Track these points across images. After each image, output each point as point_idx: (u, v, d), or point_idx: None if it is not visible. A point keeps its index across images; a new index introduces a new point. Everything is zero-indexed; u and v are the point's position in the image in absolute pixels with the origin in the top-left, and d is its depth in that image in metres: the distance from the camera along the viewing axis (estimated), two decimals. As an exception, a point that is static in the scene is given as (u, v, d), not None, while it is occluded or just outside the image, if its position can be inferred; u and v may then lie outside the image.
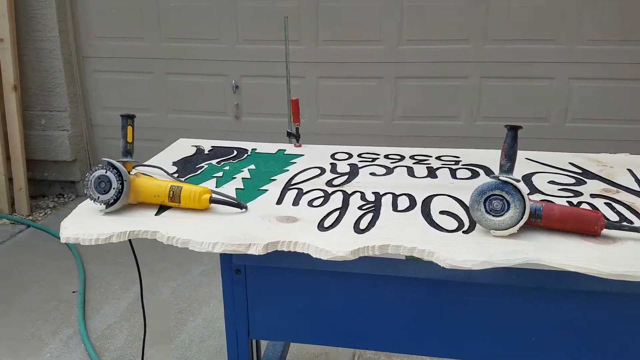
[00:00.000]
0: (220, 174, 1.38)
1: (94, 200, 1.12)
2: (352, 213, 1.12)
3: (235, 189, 1.28)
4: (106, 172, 1.12)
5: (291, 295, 1.24)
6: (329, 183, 1.31)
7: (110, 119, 3.40)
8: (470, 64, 3.01)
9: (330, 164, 1.45)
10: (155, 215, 1.12)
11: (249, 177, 1.36)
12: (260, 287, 1.25)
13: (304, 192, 1.25)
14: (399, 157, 1.50)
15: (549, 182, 1.29)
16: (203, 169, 1.41)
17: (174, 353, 1.97)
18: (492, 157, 1.47)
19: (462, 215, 1.10)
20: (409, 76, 3.08)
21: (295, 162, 1.47)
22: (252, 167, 1.44)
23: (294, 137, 1.64)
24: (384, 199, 1.20)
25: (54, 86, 3.28)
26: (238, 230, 1.04)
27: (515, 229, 0.99)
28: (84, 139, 3.46)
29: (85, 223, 1.09)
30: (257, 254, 0.99)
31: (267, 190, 1.26)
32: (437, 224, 1.06)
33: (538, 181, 1.29)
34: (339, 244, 0.99)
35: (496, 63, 3.00)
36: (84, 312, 2.20)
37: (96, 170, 1.12)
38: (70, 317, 2.18)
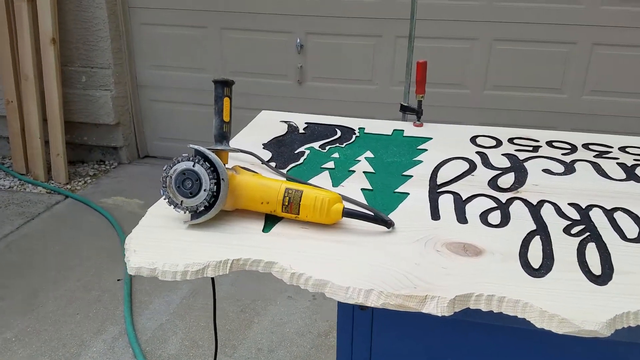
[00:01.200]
0: (330, 164, 1.00)
1: (175, 207, 0.76)
2: (561, 241, 0.74)
3: (361, 189, 0.90)
4: (194, 166, 0.75)
5: (437, 347, 0.88)
6: (494, 185, 0.92)
7: (159, 78, 3.04)
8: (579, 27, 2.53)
9: (478, 153, 1.06)
10: (264, 231, 0.76)
11: (372, 170, 0.98)
12: (395, 331, 0.89)
13: (463, 199, 0.86)
14: (569, 147, 1.10)
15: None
16: (305, 156, 1.04)
17: (238, 364, 1.66)
18: None
19: None
20: (506, 39, 2.61)
21: (425, 150, 1.08)
22: (369, 154, 1.06)
23: (414, 112, 1.24)
24: (593, 215, 0.81)
25: (97, 40, 2.92)
26: (396, 268, 0.67)
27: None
28: (129, 100, 3.12)
29: (163, 243, 0.73)
30: (439, 314, 0.61)
31: (406, 194, 0.88)
32: None
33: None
34: (576, 307, 0.61)
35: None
36: (131, 306, 1.90)
37: (178, 163, 0.76)
38: (116, 311, 1.88)
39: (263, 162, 0.97)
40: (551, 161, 1.02)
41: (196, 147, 0.77)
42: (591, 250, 0.71)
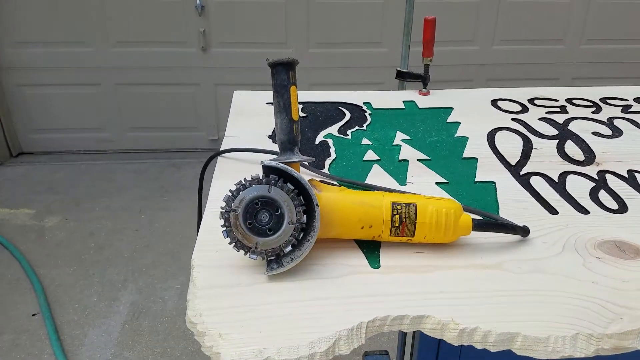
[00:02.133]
0: (371, 155, 0.81)
1: (248, 252, 0.52)
2: (700, 220, 0.64)
3: (436, 183, 0.73)
4: (270, 191, 0.51)
5: None
6: (565, 156, 0.80)
7: (27, 57, 2.48)
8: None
9: (515, 120, 0.94)
10: (372, 267, 0.55)
11: (425, 157, 0.81)
12: None
13: (555, 180, 0.73)
14: (592, 104, 1.02)
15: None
16: (332, 147, 0.83)
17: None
18: None
19: None
20: None
21: (459, 123, 0.93)
22: (403, 136, 0.88)
23: (417, 79, 1.08)
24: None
25: None
26: (575, 294, 0.52)
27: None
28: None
29: (250, 314, 0.49)
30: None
31: (491, 182, 0.73)
32: None
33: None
34: None
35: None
36: (61, 345, 1.54)
37: (245, 189, 0.51)
38: (43, 355, 1.51)
39: (307, 166, 0.75)
40: (591, 122, 0.94)
41: (267, 162, 0.53)
42: None
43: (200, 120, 2.79)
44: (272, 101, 1.01)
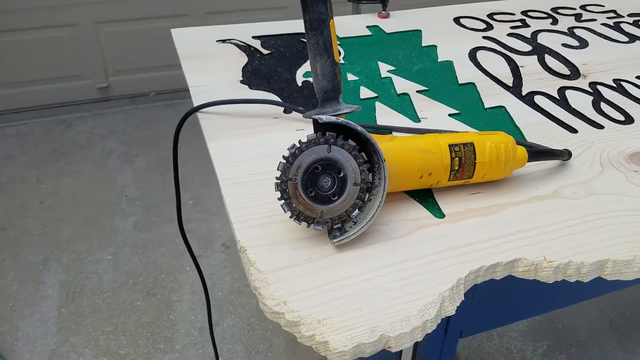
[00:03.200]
0: (367, 92, 0.74)
1: (312, 223, 0.44)
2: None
3: (449, 115, 0.68)
4: (329, 152, 0.43)
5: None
6: (553, 71, 0.79)
7: None
8: None
9: (487, 38, 0.91)
10: (437, 216, 0.50)
11: (423, 87, 0.75)
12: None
13: (557, 98, 0.72)
14: (547, 15, 1.02)
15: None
16: (320, 86, 0.74)
17: None
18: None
19: None
20: None
21: (434, 46, 0.88)
22: (387, 66, 0.81)
23: (378, 0, 1.00)
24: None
25: None
26: (632, 211, 0.52)
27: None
28: None
29: (339, 294, 0.42)
30: None
31: (501, 107, 0.70)
32: None
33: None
34: None
35: None
36: (-10, 345, 1.34)
37: (301, 152, 0.43)
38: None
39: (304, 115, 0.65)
40: (556, 34, 0.94)
41: (326, 117, 0.44)
42: None
43: (82, 67, 2.47)
44: (223, 38, 0.89)
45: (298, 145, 0.43)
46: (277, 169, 0.43)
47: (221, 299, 1.50)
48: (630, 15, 1.04)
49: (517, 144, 0.55)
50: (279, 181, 0.43)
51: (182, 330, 1.40)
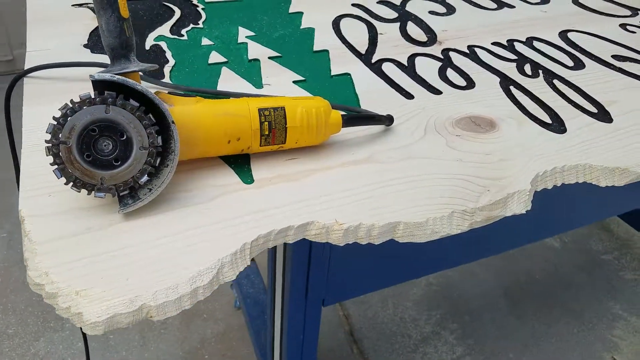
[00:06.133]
0: (217, 57, 0.72)
1: (93, 190, 0.43)
2: (530, 84, 0.69)
3: (293, 82, 0.67)
4: (107, 112, 0.41)
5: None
6: (409, 38, 0.80)
7: None
8: None
9: (356, 5, 0.90)
10: (246, 183, 0.50)
11: (276, 53, 0.74)
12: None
13: (405, 65, 0.73)
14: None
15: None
16: (168, 52, 0.72)
17: None
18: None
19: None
20: None
21: (301, 13, 0.87)
22: (247, 32, 0.79)
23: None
24: (521, 50, 0.78)
25: None
26: (444, 174, 0.53)
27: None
28: None
29: (110, 261, 0.41)
30: (523, 210, 0.52)
31: (347, 74, 0.70)
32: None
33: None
34: (623, 154, 0.59)
35: None
36: None
37: (74, 113, 0.40)
38: None
39: (146, 78, 0.63)
40: (428, 2, 0.94)
41: (99, 75, 0.42)
42: (563, 89, 0.69)
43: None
44: (80, 2, 0.84)
45: (71, 105, 0.41)
46: (47, 132, 0.40)
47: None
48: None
49: (340, 110, 0.55)
50: (50, 144, 0.41)
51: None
